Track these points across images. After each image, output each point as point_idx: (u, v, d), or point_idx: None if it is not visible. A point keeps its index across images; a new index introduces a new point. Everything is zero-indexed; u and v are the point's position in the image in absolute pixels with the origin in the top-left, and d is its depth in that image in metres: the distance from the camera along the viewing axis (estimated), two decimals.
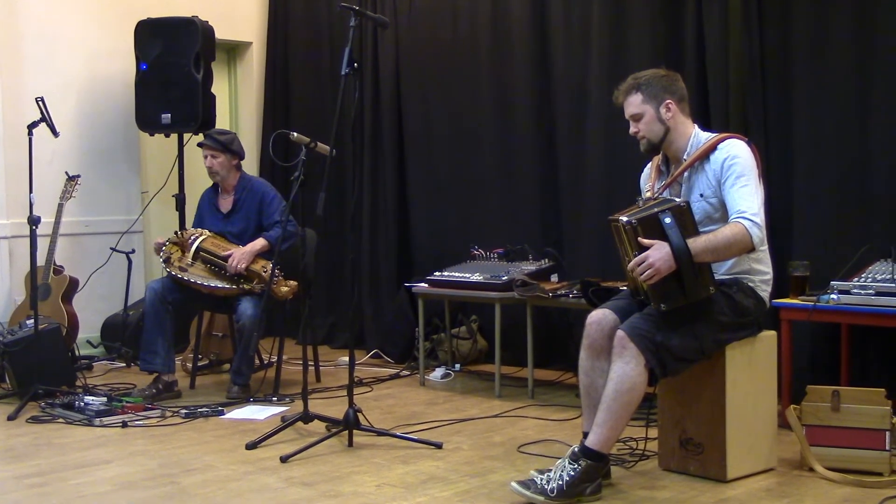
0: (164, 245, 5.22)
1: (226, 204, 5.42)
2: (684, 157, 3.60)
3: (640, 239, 3.31)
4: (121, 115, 6.59)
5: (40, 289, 5.51)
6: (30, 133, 4.99)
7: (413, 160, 6.54)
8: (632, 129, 3.65)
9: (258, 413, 4.74)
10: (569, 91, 5.65)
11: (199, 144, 5.41)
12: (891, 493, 3.35)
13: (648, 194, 3.65)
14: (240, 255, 5.09)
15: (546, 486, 3.27)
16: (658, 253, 3.26)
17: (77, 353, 5.89)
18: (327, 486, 3.55)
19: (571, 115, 5.65)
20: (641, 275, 3.27)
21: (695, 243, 3.29)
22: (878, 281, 3.93)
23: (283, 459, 3.85)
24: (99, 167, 6.53)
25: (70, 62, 6.44)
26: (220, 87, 6.98)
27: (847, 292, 3.95)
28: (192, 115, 6.15)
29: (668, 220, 3.30)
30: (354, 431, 4.09)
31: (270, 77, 7.48)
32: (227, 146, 5.34)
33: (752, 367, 3.59)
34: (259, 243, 5.18)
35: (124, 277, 6.31)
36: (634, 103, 3.61)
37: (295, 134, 4.59)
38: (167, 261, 5.18)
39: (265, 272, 5.00)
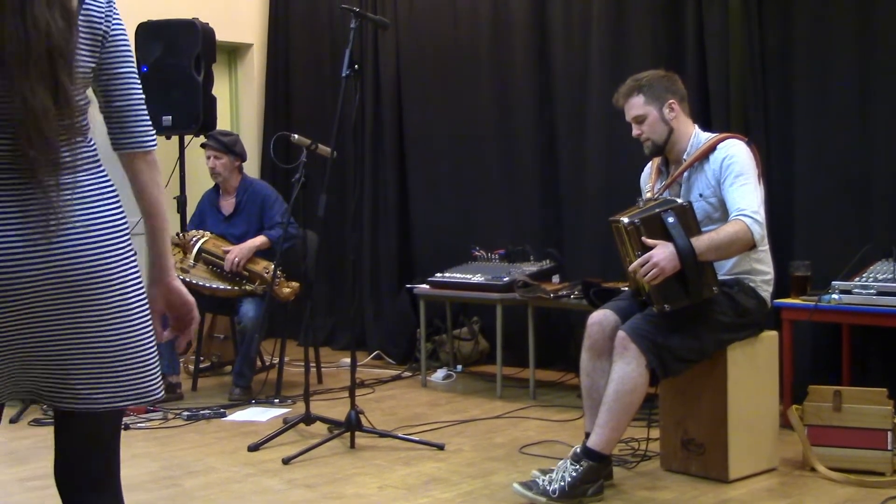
0: None
1: (227, 206, 5.42)
2: (684, 157, 3.60)
3: (643, 239, 3.30)
4: None
5: None
6: None
7: (414, 161, 6.54)
8: (635, 132, 3.64)
9: (260, 415, 4.75)
10: (569, 92, 5.66)
11: (203, 145, 5.42)
12: (893, 492, 3.35)
13: (649, 195, 3.65)
14: (238, 251, 5.10)
15: (548, 487, 3.27)
16: (662, 252, 3.26)
17: None
18: (329, 487, 3.55)
19: (572, 115, 5.65)
20: (646, 275, 3.27)
21: (698, 242, 3.30)
22: (880, 281, 3.93)
23: (286, 461, 3.86)
24: None
25: None
26: (220, 89, 6.98)
27: (848, 292, 3.95)
28: (193, 117, 6.14)
29: (671, 219, 3.30)
30: (356, 433, 4.10)
31: (271, 79, 7.48)
32: (231, 148, 5.35)
33: (753, 368, 3.59)
34: (258, 240, 5.19)
35: None
36: (637, 105, 3.60)
37: (296, 136, 4.59)
38: None
39: (267, 273, 5.00)
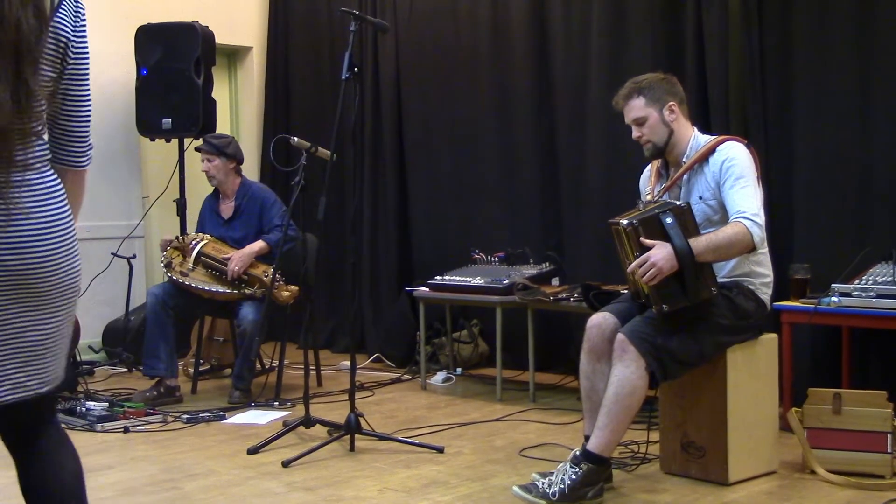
0: (170, 245, 5.22)
1: (227, 209, 5.42)
2: (684, 159, 3.60)
3: (641, 239, 3.30)
4: (121, 120, 6.59)
5: None
6: None
7: (413, 164, 6.55)
8: (635, 134, 3.63)
9: (260, 418, 4.74)
10: (569, 94, 5.66)
11: (197, 149, 5.43)
12: (893, 495, 3.35)
13: (649, 197, 3.65)
14: (238, 258, 5.10)
15: (548, 490, 3.27)
16: (660, 252, 3.26)
17: (78, 358, 5.89)
18: (329, 490, 3.55)
19: (572, 118, 5.65)
20: (644, 275, 3.27)
21: (696, 243, 3.30)
22: (879, 283, 3.93)
23: (285, 464, 3.85)
24: (99, 172, 6.50)
25: None
26: (220, 92, 6.99)
27: (848, 295, 3.95)
28: (193, 120, 6.15)
29: (669, 220, 3.30)
30: (356, 436, 4.09)
31: (271, 82, 7.49)
32: (222, 150, 5.34)
33: (753, 370, 3.59)
34: (257, 245, 5.19)
35: (125, 283, 6.31)
36: (637, 107, 3.60)
37: (295, 139, 4.60)
38: (168, 266, 5.19)
39: (266, 277, 5.00)
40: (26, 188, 1.91)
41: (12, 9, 1.79)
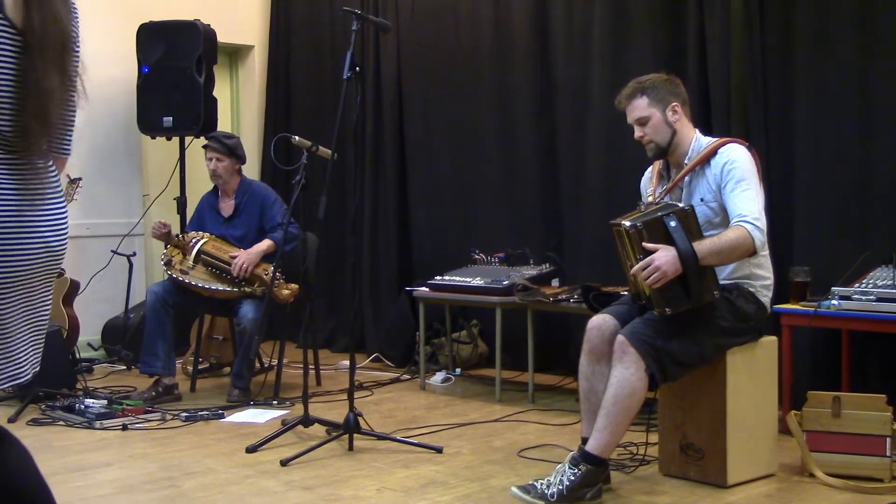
0: (165, 235, 5.19)
1: (227, 208, 5.42)
2: (685, 161, 3.60)
3: (644, 244, 3.30)
4: (122, 118, 6.60)
5: None
6: None
7: (414, 164, 6.55)
8: (637, 134, 3.63)
9: (258, 416, 4.74)
10: (570, 95, 5.66)
11: (205, 146, 5.41)
12: (891, 499, 3.35)
13: (650, 199, 3.65)
14: (246, 257, 5.09)
15: (546, 491, 3.27)
16: (664, 256, 3.25)
17: (77, 355, 5.89)
18: (327, 489, 3.55)
19: (573, 119, 5.65)
20: (647, 279, 3.26)
21: (700, 246, 3.29)
22: (879, 287, 3.93)
23: (284, 463, 3.85)
24: (100, 170, 6.54)
25: None
26: (221, 91, 6.99)
27: (848, 298, 3.95)
28: (194, 119, 6.15)
29: (673, 223, 3.29)
30: (355, 435, 4.09)
31: (272, 80, 7.49)
32: (233, 150, 5.35)
33: (752, 373, 3.59)
34: (265, 244, 5.18)
35: (125, 280, 6.31)
36: (640, 107, 3.59)
37: (296, 138, 4.60)
38: (168, 264, 5.18)
39: (266, 275, 5.00)
40: (51, 175, 2.01)
41: (58, 5, 1.89)
